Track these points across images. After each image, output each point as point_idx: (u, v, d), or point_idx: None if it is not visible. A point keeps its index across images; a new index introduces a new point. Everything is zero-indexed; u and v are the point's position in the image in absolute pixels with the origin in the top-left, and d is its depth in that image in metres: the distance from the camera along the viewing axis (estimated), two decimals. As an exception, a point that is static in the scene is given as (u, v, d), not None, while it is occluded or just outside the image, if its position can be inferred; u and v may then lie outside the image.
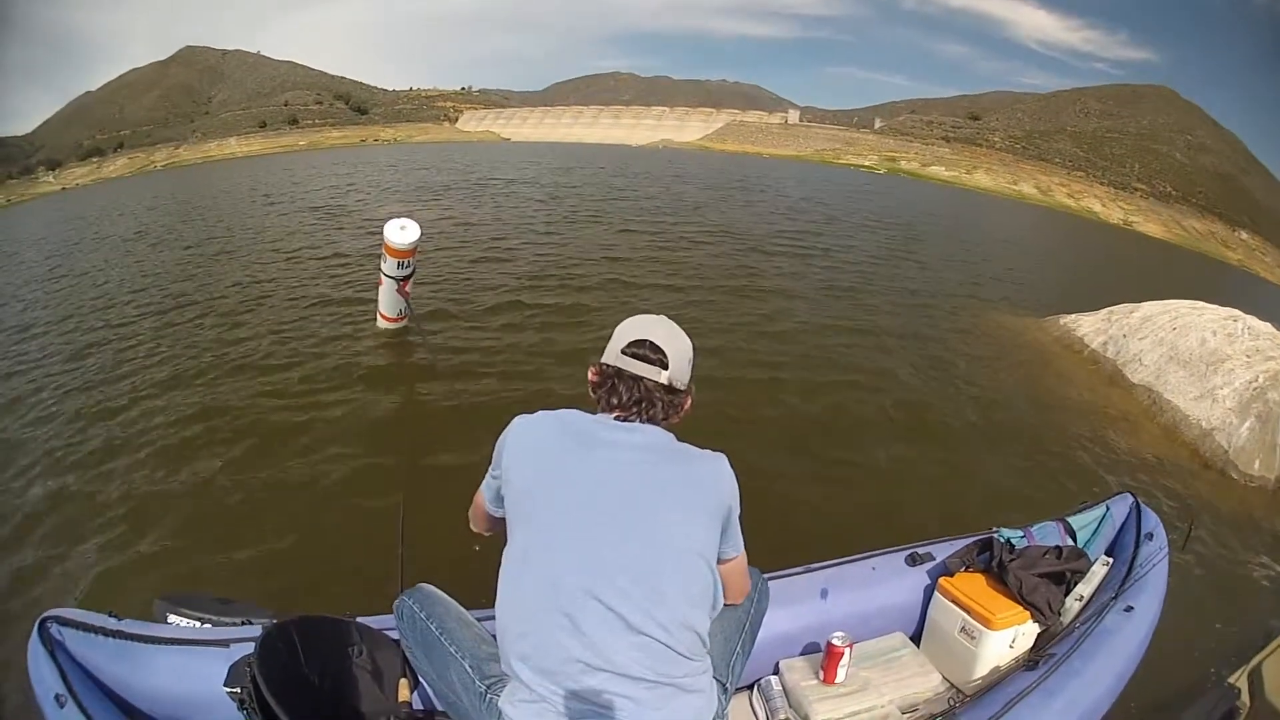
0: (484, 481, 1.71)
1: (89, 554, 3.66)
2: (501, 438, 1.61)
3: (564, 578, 1.43)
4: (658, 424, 1.60)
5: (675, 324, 1.69)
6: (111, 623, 1.86)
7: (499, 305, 8.09)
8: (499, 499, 1.62)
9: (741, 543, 1.64)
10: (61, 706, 1.62)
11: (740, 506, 1.60)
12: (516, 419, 1.62)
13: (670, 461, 1.54)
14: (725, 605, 1.71)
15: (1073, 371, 7.37)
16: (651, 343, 1.61)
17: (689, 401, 1.66)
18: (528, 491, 1.53)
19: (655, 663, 1.42)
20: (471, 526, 1.85)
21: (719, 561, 1.59)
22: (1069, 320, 8.55)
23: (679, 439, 1.61)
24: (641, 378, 1.59)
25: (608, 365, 1.63)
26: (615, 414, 1.59)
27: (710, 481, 1.55)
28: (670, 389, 1.60)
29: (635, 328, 1.65)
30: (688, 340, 1.68)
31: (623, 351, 1.61)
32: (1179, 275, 25.52)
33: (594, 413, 1.62)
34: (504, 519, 1.60)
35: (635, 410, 1.58)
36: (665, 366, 1.59)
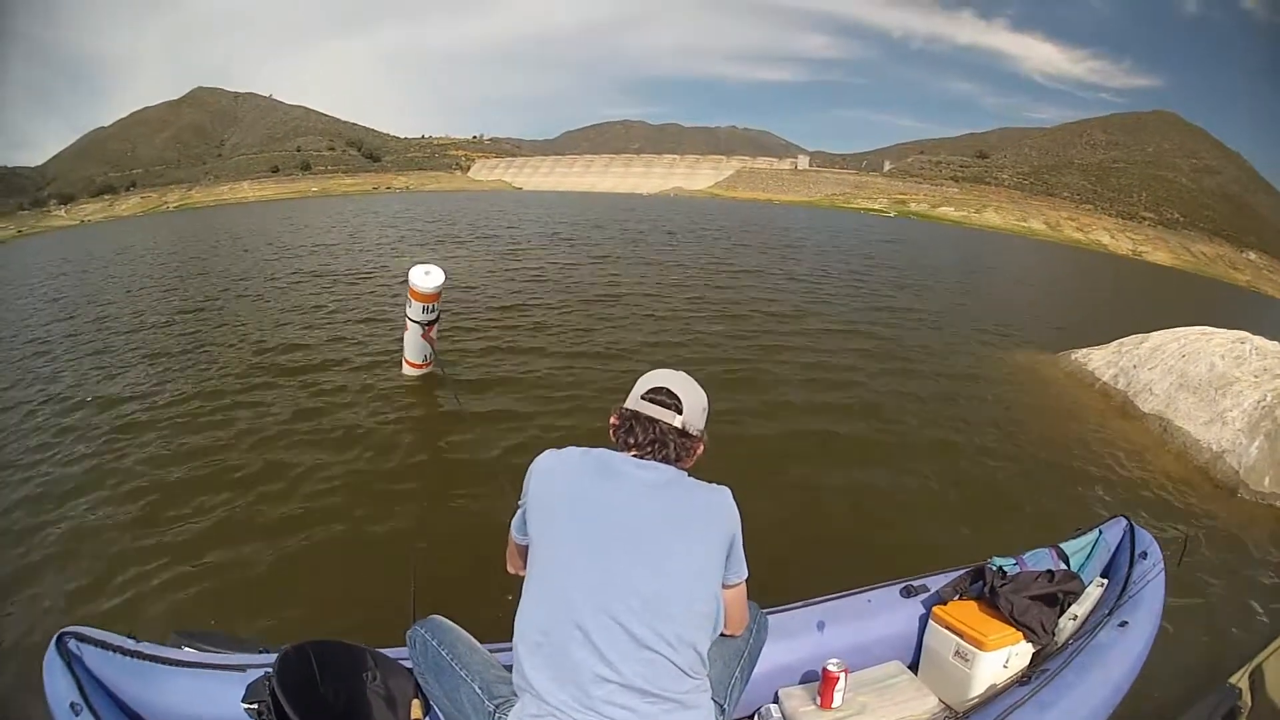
0: (514, 519, 1.81)
1: (107, 582, 3.72)
2: (530, 467, 1.73)
3: (579, 595, 1.53)
4: (671, 464, 1.70)
5: (692, 378, 1.82)
6: (129, 643, 1.91)
7: (526, 355, 8.13)
8: (524, 526, 1.72)
9: (745, 571, 1.74)
10: (76, 715, 1.67)
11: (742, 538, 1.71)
12: (545, 451, 1.74)
13: (679, 493, 1.66)
14: (724, 635, 1.80)
15: (1084, 405, 7.37)
16: (668, 390, 1.75)
17: (701, 448, 1.77)
18: (549, 515, 1.65)
19: (659, 678, 1.52)
20: (509, 569, 1.92)
21: (724, 586, 1.68)
22: (1080, 355, 8.57)
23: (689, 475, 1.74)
24: (657, 420, 1.71)
25: (627, 409, 1.76)
26: (633, 453, 1.70)
27: (715, 511, 1.67)
28: (683, 432, 1.72)
29: (655, 378, 1.79)
30: (703, 393, 1.80)
31: (642, 397, 1.75)
32: (1189, 302, 25.41)
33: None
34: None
35: (650, 450, 1.69)
36: (680, 411, 1.72)
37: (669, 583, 1.55)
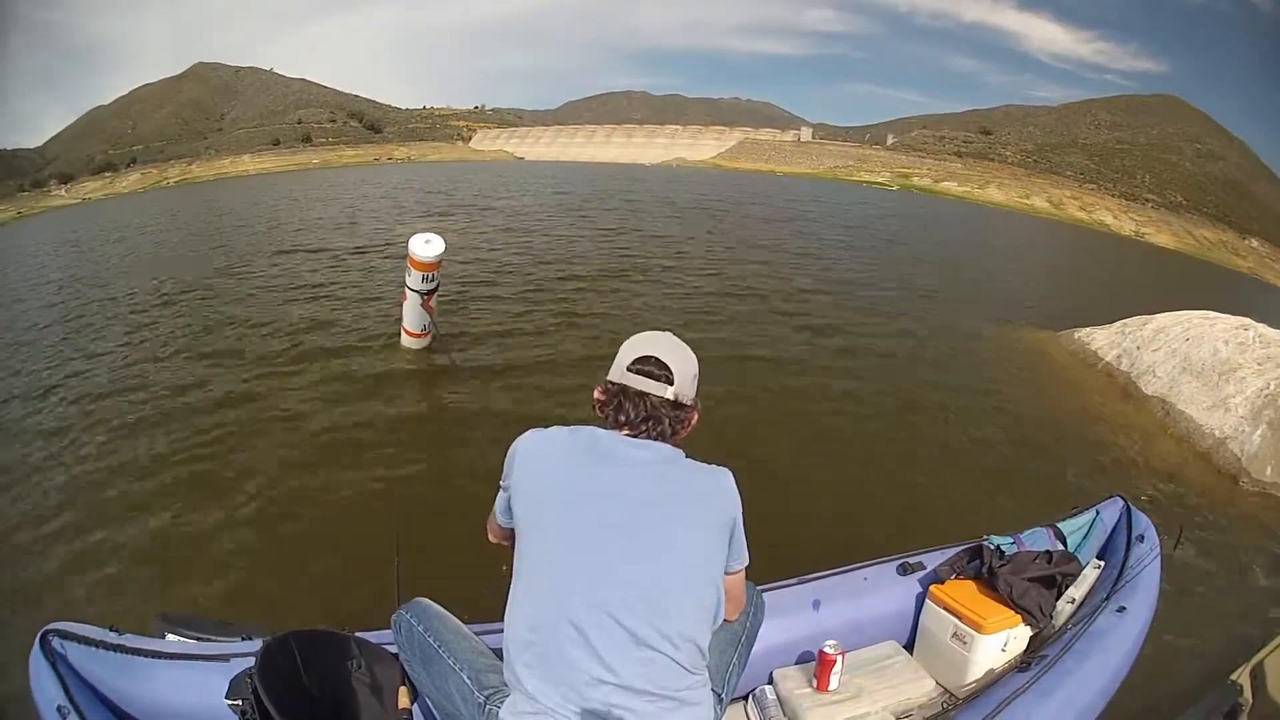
0: (497, 502, 1.72)
1: (89, 571, 3.68)
2: (512, 449, 1.63)
3: (573, 590, 1.45)
4: (666, 440, 1.60)
5: (681, 343, 1.69)
6: (113, 637, 1.87)
7: (524, 326, 8.11)
8: (508, 510, 1.64)
9: (746, 557, 1.66)
10: (64, 718, 1.63)
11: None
12: (528, 431, 1.63)
13: (677, 476, 1.57)
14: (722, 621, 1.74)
15: (1087, 385, 7.36)
16: (657, 359, 1.62)
17: (695, 417, 1.66)
18: (537, 503, 1.55)
19: (659, 676, 1.45)
20: (490, 538, 1.85)
21: (725, 574, 1.61)
22: (1083, 334, 8.55)
23: (686, 454, 1.63)
24: (647, 394, 1.59)
25: (613, 383, 1.63)
26: (625, 431, 1.59)
27: (716, 495, 1.58)
28: (676, 404, 1.60)
29: (640, 345, 1.66)
30: (693, 356, 1.68)
31: (628, 369, 1.62)
32: (1191, 285, 25.38)
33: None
34: (513, 530, 1.64)
35: (644, 428, 1.59)
36: (671, 382, 1.60)
37: (668, 573, 1.48)
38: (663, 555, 1.48)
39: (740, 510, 1.60)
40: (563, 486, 1.53)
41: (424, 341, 6.94)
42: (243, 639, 2.02)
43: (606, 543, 1.47)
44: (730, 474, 1.61)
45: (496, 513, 1.73)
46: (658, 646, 1.44)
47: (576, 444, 1.57)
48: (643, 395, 1.59)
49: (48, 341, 8.29)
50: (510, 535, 1.68)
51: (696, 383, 1.67)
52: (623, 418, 1.60)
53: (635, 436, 1.59)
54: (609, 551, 1.46)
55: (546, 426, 1.64)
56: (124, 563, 3.71)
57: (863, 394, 6.45)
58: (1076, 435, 5.91)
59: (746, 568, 1.70)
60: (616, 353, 1.69)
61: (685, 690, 1.49)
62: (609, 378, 1.65)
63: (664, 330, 1.72)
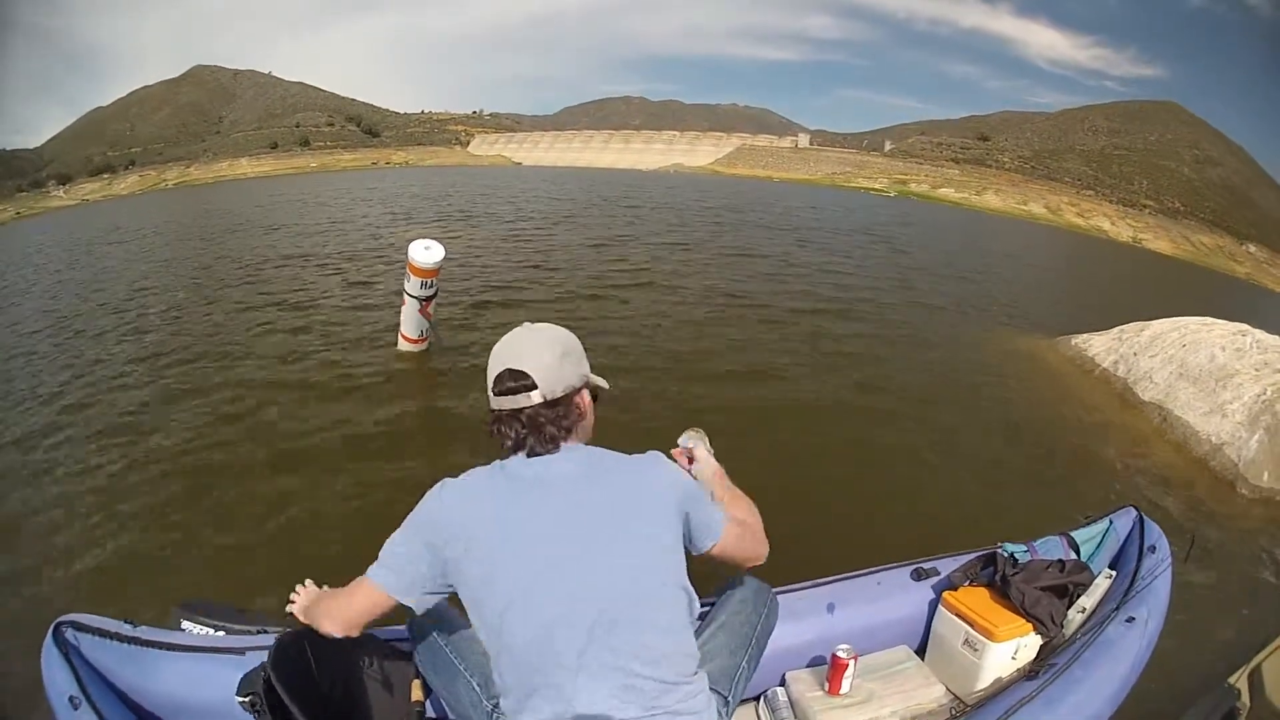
0: (385, 562, 1.54)
1: (108, 561, 3.72)
2: (433, 503, 1.53)
3: (544, 635, 1.40)
4: (564, 441, 1.53)
5: (541, 328, 1.61)
6: (126, 628, 1.88)
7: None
8: (425, 588, 1.51)
9: (719, 525, 1.58)
10: (75, 708, 1.64)
11: (701, 491, 1.59)
12: (444, 485, 1.55)
13: (607, 479, 1.51)
14: (733, 616, 1.77)
15: (1084, 391, 7.35)
16: (510, 371, 1.52)
17: (584, 396, 1.60)
18: (483, 557, 1.45)
19: (643, 700, 1.42)
20: (330, 626, 1.61)
21: (704, 553, 1.58)
22: (1080, 340, 8.54)
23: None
24: (518, 410, 1.51)
25: (492, 410, 1.56)
26: (524, 454, 1.52)
27: (654, 485, 1.52)
28: (550, 403, 1.51)
29: (494, 363, 1.56)
30: (555, 341, 1.57)
31: (494, 394, 1.55)
32: (1188, 292, 25.46)
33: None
34: (416, 603, 1.54)
35: (533, 442, 1.51)
36: (534, 386, 1.50)
37: (633, 594, 1.42)
38: (618, 574, 1.42)
39: (688, 487, 1.55)
40: (502, 533, 1.45)
41: (421, 347, 6.96)
42: (259, 631, 2.04)
43: (562, 578, 1.41)
44: (661, 455, 1.57)
45: (386, 586, 1.52)
46: (637, 671, 1.41)
47: (498, 482, 1.51)
48: (514, 414, 1.51)
49: (43, 346, 8.32)
50: (398, 611, 1.56)
51: (569, 360, 1.57)
52: (509, 442, 1.53)
53: (535, 455, 1.52)
54: (568, 584, 1.41)
55: (457, 474, 1.56)
56: (129, 568, 3.71)
57: (866, 400, 6.46)
58: (1072, 441, 5.90)
59: (744, 524, 1.66)
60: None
61: (676, 703, 1.45)
62: (490, 406, 1.58)
63: (519, 325, 1.63)
